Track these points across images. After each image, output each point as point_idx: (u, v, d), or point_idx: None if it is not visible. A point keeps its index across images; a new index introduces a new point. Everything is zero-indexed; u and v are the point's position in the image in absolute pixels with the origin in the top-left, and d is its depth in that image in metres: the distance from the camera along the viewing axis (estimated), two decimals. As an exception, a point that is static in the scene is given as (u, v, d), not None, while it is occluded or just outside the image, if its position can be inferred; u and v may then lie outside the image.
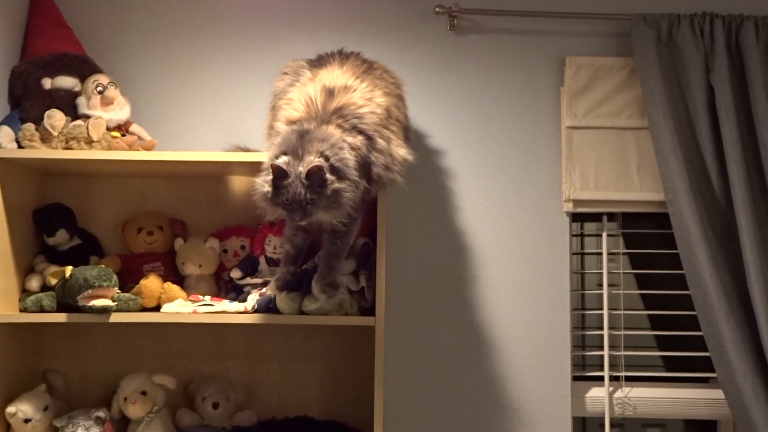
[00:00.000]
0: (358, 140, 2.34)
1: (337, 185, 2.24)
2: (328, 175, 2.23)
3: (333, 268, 2.45)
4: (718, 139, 2.75)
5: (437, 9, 2.90)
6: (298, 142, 2.26)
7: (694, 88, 2.78)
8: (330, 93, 2.40)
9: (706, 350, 2.70)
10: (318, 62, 2.59)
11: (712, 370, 2.71)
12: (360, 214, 2.44)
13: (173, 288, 2.65)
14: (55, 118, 2.60)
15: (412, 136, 2.72)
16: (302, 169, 2.21)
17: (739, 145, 2.70)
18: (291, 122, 2.38)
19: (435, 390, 2.86)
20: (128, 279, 2.70)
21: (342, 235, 2.42)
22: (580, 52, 2.91)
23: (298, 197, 2.22)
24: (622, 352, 2.91)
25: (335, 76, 2.47)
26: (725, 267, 2.69)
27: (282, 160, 2.25)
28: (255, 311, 2.54)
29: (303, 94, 2.44)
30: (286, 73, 2.63)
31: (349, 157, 2.28)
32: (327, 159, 2.24)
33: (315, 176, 2.21)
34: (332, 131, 2.31)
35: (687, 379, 2.94)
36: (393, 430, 2.82)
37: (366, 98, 2.42)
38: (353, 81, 2.45)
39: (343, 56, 2.58)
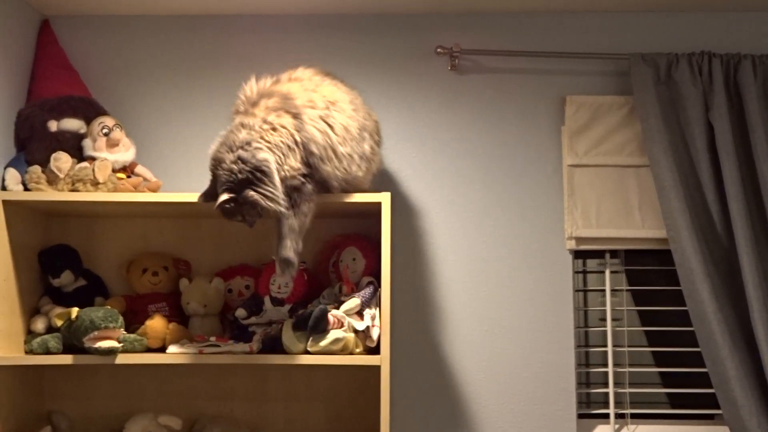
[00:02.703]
0: (285, 120, 2.40)
1: (253, 195, 2.30)
2: (242, 195, 2.31)
3: (283, 246, 2.41)
4: (718, 176, 2.77)
5: (438, 49, 2.93)
6: (220, 153, 2.37)
7: (693, 126, 2.80)
8: (263, 80, 2.50)
9: (711, 387, 2.70)
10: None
11: (718, 407, 2.70)
12: (308, 203, 2.44)
13: (178, 328, 2.66)
14: (61, 161, 2.63)
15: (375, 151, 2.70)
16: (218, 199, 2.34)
17: (740, 182, 2.72)
18: (233, 112, 2.50)
19: (440, 429, 2.85)
20: (133, 320, 2.71)
21: (287, 217, 2.41)
22: (580, 91, 2.95)
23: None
24: (627, 389, 2.91)
25: (286, 74, 2.55)
26: (728, 304, 2.70)
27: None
28: (260, 351, 2.54)
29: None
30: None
31: (253, 150, 2.33)
32: (233, 178, 2.31)
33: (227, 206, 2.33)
34: (242, 127, 2.37)
35: (692, 416, 2.94)
36: (398, 469, 2.82)
37: (306, 89, 2.48)
38: (303, 77, 2.54)
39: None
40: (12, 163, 2.68)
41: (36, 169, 2.61)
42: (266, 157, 2.32)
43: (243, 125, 2.38)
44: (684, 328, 2.80)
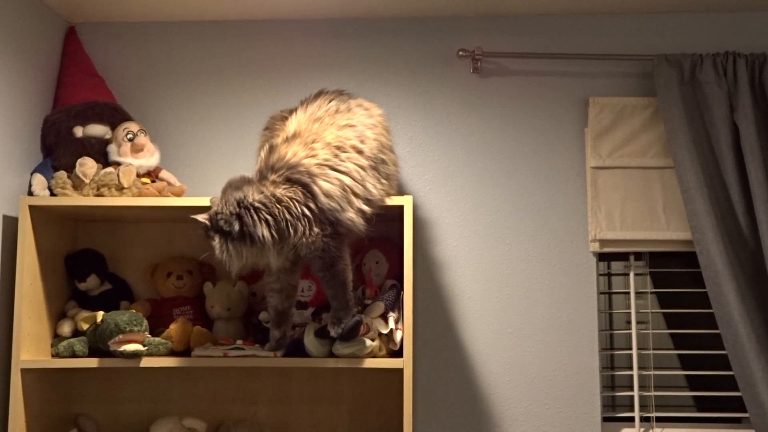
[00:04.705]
0: (293, 191, 2.35)
1: (218, 244, 2.31)
2: (212, 233, 2.32)
3: (336, 309, 2.47)
4: (744, 177, 2.74)
5: (460, 52, 2.93)
6: (223, 194, 2.36)
7: (718, 127, 2.78)
8: (271, 149, 2.43)
9: (737, 389, 2.68)
10: (289, 112, 2.61)
11: (744, 410, 2.68)
12: (340, 258, 2.43)
13: (203, 332, 2.68)
14: (87, 166, 2.66)
15: (394, 162, 2.67)
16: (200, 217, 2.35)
17: (765, 182, 2.69)
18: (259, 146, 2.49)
19: (464, 432, 2.85)
20: (158, 323, 2.73)
21: (327, 280, 2.45)
22: (603, 93, 2.93)
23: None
24: (653, 393, 2.89)
25: (290, 125, 2.50)
26: (755, 306, 2.67)
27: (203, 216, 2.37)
28: (283, 355, 2.55)
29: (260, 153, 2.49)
30: (266, 128, 2.69)
31: (257, 220, 2.29)
32: (215, 218, 2.31)
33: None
34: (258, 189, 2.33)
35: (719, 419, 2.91)
36: (422, 473, 2.83)
37: (306, 143, 2.43)
38: (304, 126, 2.48)
39: (312, 99, 2.60)
40: (38, 169, 2.72)
41: (62, 174, 2.64)
42: (265, 235, 2.30)
43: (259, 190, 2.33)
44: (710, 331, 2.78)
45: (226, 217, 2.30)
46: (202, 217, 2.33)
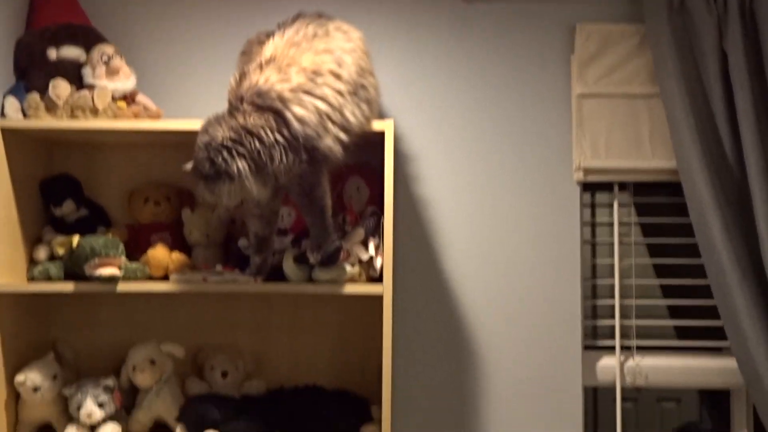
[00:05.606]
0: (264, 119, 2.28)
1: (201, 192, 2.31)
2: (196, 180, 2.31)
3: (315, 235, 2.46)
4: (731, 106, 2.70)
5: (446, -23, 2.87)
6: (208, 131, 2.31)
7: (706, 55, 2.73)
8: (241, 77, 2.37)
9: (718, 319, 2.68)
10: (267, 35, 2.52)
11: (725, 339, 2.68)
12: (318, 185, 2.41)
13: (181, 258, 2.65)
14: (60, 88, 2.60)
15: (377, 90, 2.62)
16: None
17: (753, 112, 2.65)
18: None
19: (443, 360, 2.85)
20: (136, 249, 2.69)
21: (306, 207, 2.45)
22: (590, 19, 2.87)
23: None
24: (634, 322, 2.89)
25: (267, 49, 2.43)
26: (738, 236, 2.65)
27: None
28: (263, 281, 2.54)
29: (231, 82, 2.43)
30: (243, 53, 2.62)
31: (227, 157, 2.24)
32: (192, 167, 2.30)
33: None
34: (226, 125, 2.28)
35: (699, 348, 2.92)
36: (401, 399, 2.83)
37: (281, 68, 2.36)
38: (281, 51, 2.40)
39: (290, 22, 2.52)
40: (11, 92, 2.65)
41: (35, 96, 2.59)
42: (240, 168, 2.24)
43: (228, 125, 2.28)
44: (693, 261, 2.78)
45: (199, 162, 2.27)
46: (188, 166, 2.31)
